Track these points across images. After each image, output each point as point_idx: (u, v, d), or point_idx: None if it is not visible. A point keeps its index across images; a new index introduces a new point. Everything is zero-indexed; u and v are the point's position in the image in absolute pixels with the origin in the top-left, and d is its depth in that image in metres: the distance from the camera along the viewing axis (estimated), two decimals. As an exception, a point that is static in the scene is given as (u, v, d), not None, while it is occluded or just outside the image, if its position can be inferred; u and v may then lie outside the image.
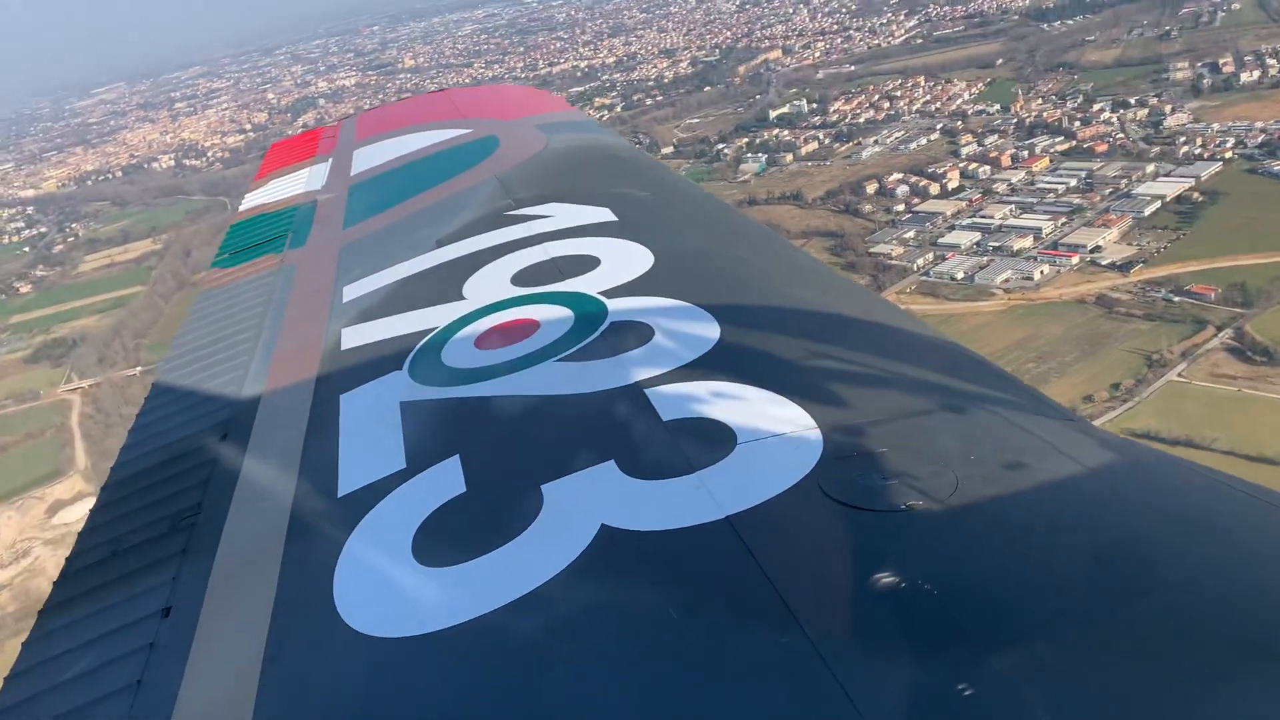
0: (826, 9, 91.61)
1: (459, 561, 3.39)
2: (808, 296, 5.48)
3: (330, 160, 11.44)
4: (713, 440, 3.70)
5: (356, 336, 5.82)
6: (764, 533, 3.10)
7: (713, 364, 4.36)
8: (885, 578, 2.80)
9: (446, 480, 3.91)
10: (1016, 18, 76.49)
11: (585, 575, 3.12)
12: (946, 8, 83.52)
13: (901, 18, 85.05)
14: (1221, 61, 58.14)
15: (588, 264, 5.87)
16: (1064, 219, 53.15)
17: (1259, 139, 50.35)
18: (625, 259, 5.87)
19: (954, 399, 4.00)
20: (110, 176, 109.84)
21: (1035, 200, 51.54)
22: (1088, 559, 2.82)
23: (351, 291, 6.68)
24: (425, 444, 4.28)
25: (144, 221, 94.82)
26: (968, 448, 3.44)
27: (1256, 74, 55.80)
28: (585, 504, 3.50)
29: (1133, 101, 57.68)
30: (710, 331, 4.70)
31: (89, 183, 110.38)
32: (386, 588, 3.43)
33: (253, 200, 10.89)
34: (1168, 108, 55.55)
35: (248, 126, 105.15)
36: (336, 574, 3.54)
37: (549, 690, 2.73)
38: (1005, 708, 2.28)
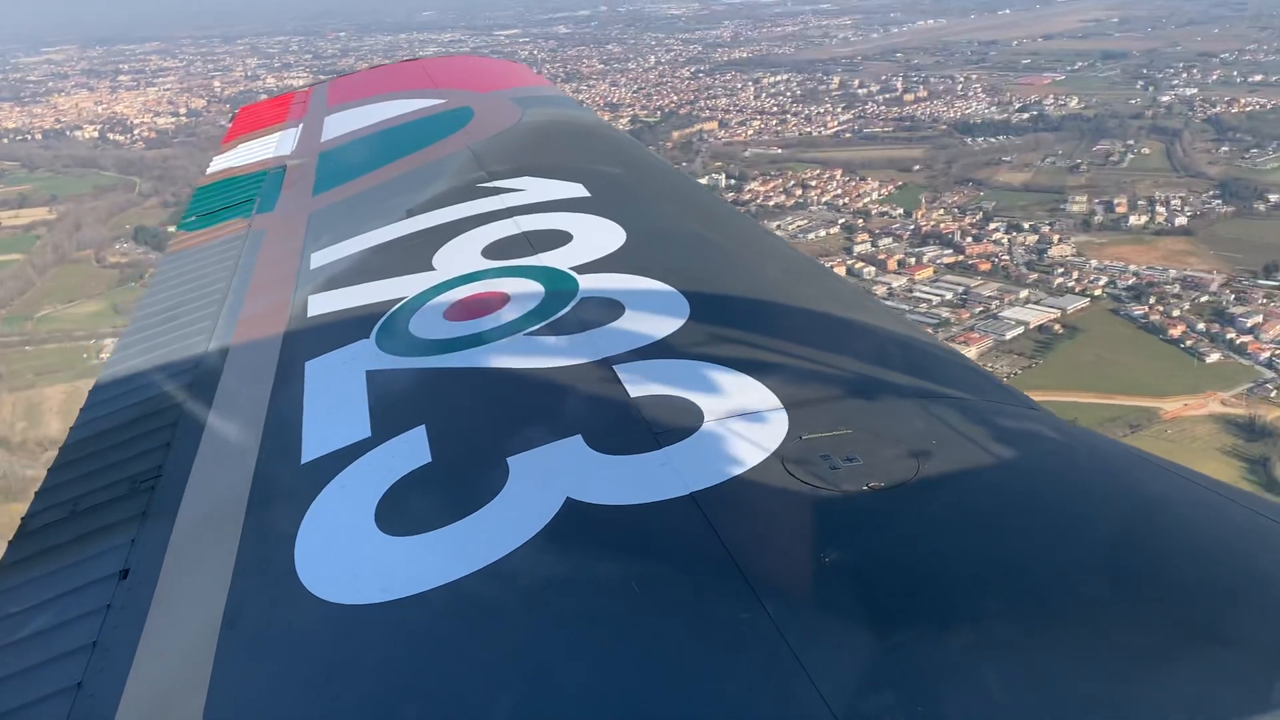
0: (773, 89, 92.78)
1: (422, 531, 3.39)
2: (778, 279, 5.51)
3: (300, 126, 11.30)
4: (679, 417, 3.72)
5: (323, 304, 5.78)
6: (727, 509, 3.12)
7: (682, 342, 4.38)
8: (845, 556, 2.84)
9: (411, 450, 3.90)
10: (944, 128, 78.07)
11: (549, 547, 3.13)
12: (882, 107, 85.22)
13: (839, 110, 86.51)
14: (1116, 201, 59.55)
15: (559, 239, 5.86)
16: (929, 330, 52.05)
17: (1129, 281, 51.36)
18: (597, 235, 5.86)
19: (919, 384, 4.04)
20: (29, 138, 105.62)
21: (908, 308, 52.03)
22: (1044, 541, 2.87)
23: (319, 259, 6.62)
24: (391, 413, 4.26)
25: (46, 189, 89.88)
26: (930, 431, 3.48)
27: (1144, 219, 57.25)
28: (551, 477, 3.50)
29: (1026, 226, 58.48)
30: (680, 310, 4.71)
31: (4, 140, 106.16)
32: (348, 555, 3.42)
33: (221, 163, 10.75)
34: (1055, 237, 56.43)
35: (183, 111, 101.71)
36: (298, 540, 3.53)
37: (509, 659, 2.74)
38: (959, 684, 2.32)
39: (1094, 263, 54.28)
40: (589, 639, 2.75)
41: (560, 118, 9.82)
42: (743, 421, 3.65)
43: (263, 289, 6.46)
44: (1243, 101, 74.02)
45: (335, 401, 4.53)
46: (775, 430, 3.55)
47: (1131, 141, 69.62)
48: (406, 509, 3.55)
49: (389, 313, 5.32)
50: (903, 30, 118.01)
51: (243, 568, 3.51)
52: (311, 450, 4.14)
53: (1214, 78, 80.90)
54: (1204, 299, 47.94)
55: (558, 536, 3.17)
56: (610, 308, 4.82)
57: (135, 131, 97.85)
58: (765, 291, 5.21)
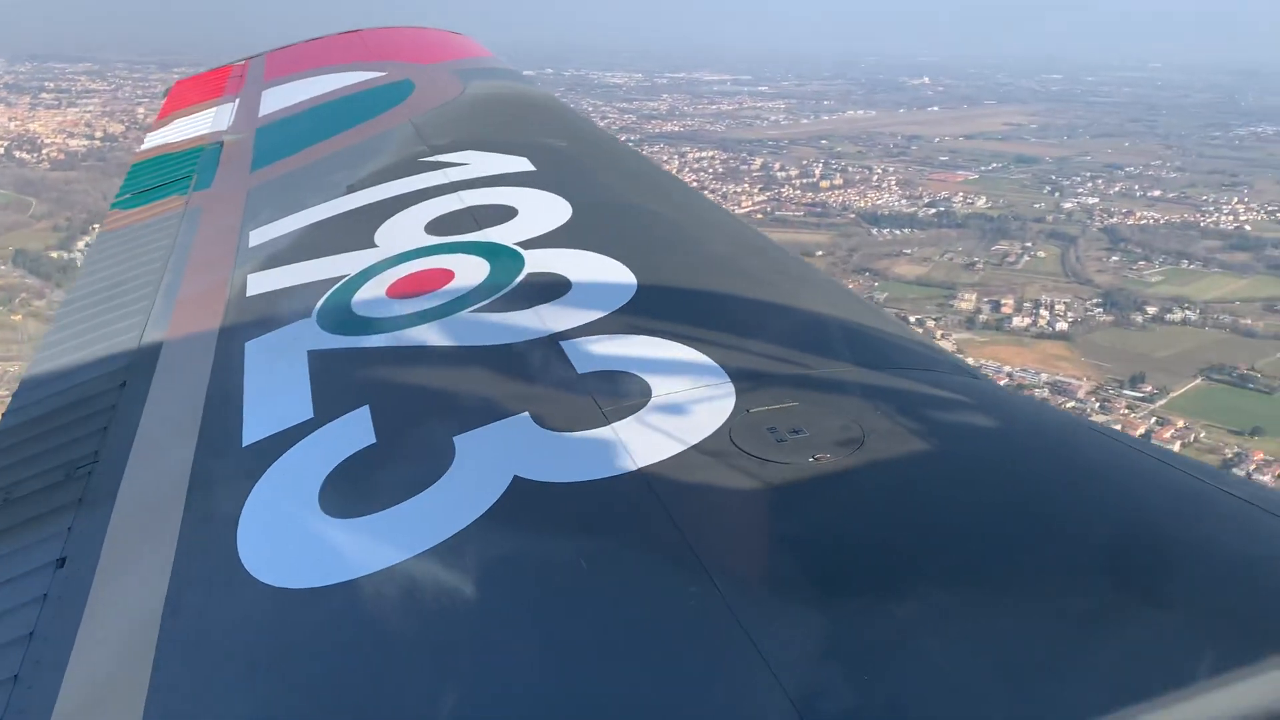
0: (696, 165, 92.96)
1: (367, 512, 3.34)
2: (726, 253, 5.50)
3: (237, 100, 11.06)
4: (627, 393, 3.71)
5: (263, 282, 5.66)
6: (676, 484, 3.12)
7: (629, 317, 4.36)
8: (792, 528, 2.86)
9: (355, 431, 3.84)
10: (853, 217, 79.01)
11: (497, 526, 3.11)
12: (798, 191, 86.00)
13: (756, 190, 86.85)
14: (1003, 302, 60.28)
15: (504, 214, 5.79)
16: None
17: (1002, 381, 52.10)
18: (543, 210, 5.80)
19: (867, 356, 4.06)
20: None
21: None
22: (989, 509, 2.90)
23: (258, 236, 6.48)
24: (334, 394, 4.19)
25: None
26: (876, 402, 3.50)
27: (1028, 320, 58.11)
28: (498, 455, 3.47)
29: (912, 319, 59.17)
30: (627, 285, 4.68)
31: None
32: (292, 538, 3.37)
33: (155, 139, 10.49)
34: (939, 332, 57.03)
35: (99, 134, 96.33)
36: (240, 525, 3.46)
37: (457, 640, 2.72)
38: (909, 654, 2.34)
39: (971, 360, 55.38)
40: (538, 618, 2.73)
41: (504, 90, 9.71)
42: (690, 396, 3.64)
43: (201, 268, 6.32)
44: (1139, 214, 76.00)
45: (277, 382, 4.45)
46: (723, 404, 3.55)
47: (1029, 244, 70.87)
48: (351, 491, 3.50)
49: (331, 291, 5.23)
50: (833, 118, 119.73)
51: (184, 554, 3.44)
52: (253, 433, 4.06)
53: (1116, 189, 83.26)
54: (1069, 404, 48.45)
55: (506, 515, 3.15)
56: (557, 283, 4.78)
57: (43, 151, 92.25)
58: (712, 266, 5.20)
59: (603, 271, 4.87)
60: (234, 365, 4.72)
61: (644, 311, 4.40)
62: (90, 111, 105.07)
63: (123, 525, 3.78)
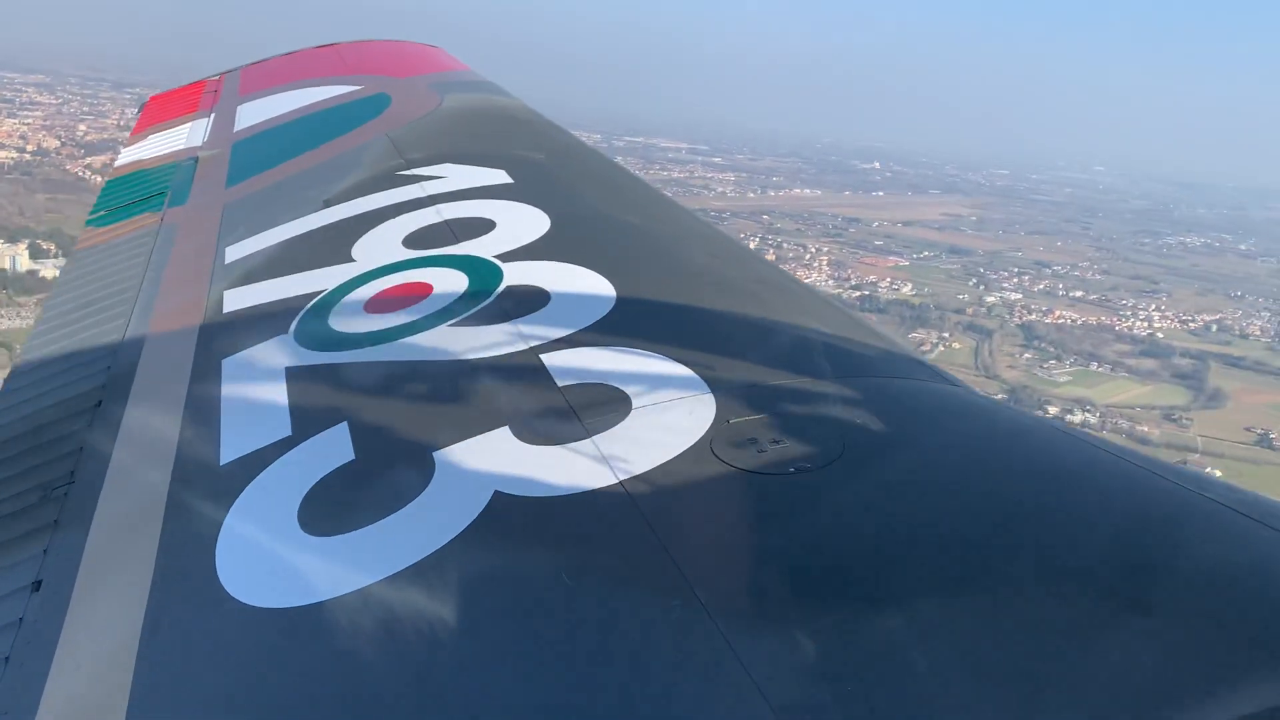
0: None
1: (347, 530, 3.32)
2: (705, 263, 5.50)
3: (212, 115, 11.01)
4: (608, 405, 3.70)
5: (240, 299, 5.62)
6: (657, 496, 3.12)
7: (608, 329, 4.35)
8: (773, 538, 2.86)
9: (334, 448, 3.81)
10: None
11: (478, 542, 3.09)
12: None
13: None
14: None
15: (482, 227, 5.78)
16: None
17: None
18: (521, 222, 5.79)
19: (846, 366, 4.07)
20: None
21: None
22: (969, 516, 2.91)
23: (235, 252, 6.44)
24: (312, 410, 4.17)
25: None
26: (856, 413, 3.51)
27: None
28: (478, 470, 3.46)
29: None
30: (606, 296, 4.68)
31: None
32: (271, 557, 3.34)
33: (129, 156, 10.42)
34: None
35: (31, 148, 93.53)
36: (219, 544, 3.43)
37: (438, 657, 2.70)
38: (892, 663, 2.34)
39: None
40: (521, 633, 2.72)
41: (481, 103, 9.70)
42: (671, 408, 3.64)
43: (176, 285, 6.27)
44: (1058, 313, 77.06)
45: (254, 400, 4.42)
46: (703, 415, 3.55)
47: (946, 334, 71.56)
48: (330, 508, 3.47)
49: (308, 306, 5.20)
50: (779, 194, 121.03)
51: (162, 575, 3.40)
52: (230, 451, 4.03)
53: (1041, 286, 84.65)
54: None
55: (487, 530, 3.13)
56: (535, 296, 4.78)
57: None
58: (691, 276, 5.20)
59: (581, 283, 4.87)
60: (211, 382, 4.68)
61: (623, 323, 4.40)
62: (29, 124, 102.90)
63: (99, 546, 3.74)
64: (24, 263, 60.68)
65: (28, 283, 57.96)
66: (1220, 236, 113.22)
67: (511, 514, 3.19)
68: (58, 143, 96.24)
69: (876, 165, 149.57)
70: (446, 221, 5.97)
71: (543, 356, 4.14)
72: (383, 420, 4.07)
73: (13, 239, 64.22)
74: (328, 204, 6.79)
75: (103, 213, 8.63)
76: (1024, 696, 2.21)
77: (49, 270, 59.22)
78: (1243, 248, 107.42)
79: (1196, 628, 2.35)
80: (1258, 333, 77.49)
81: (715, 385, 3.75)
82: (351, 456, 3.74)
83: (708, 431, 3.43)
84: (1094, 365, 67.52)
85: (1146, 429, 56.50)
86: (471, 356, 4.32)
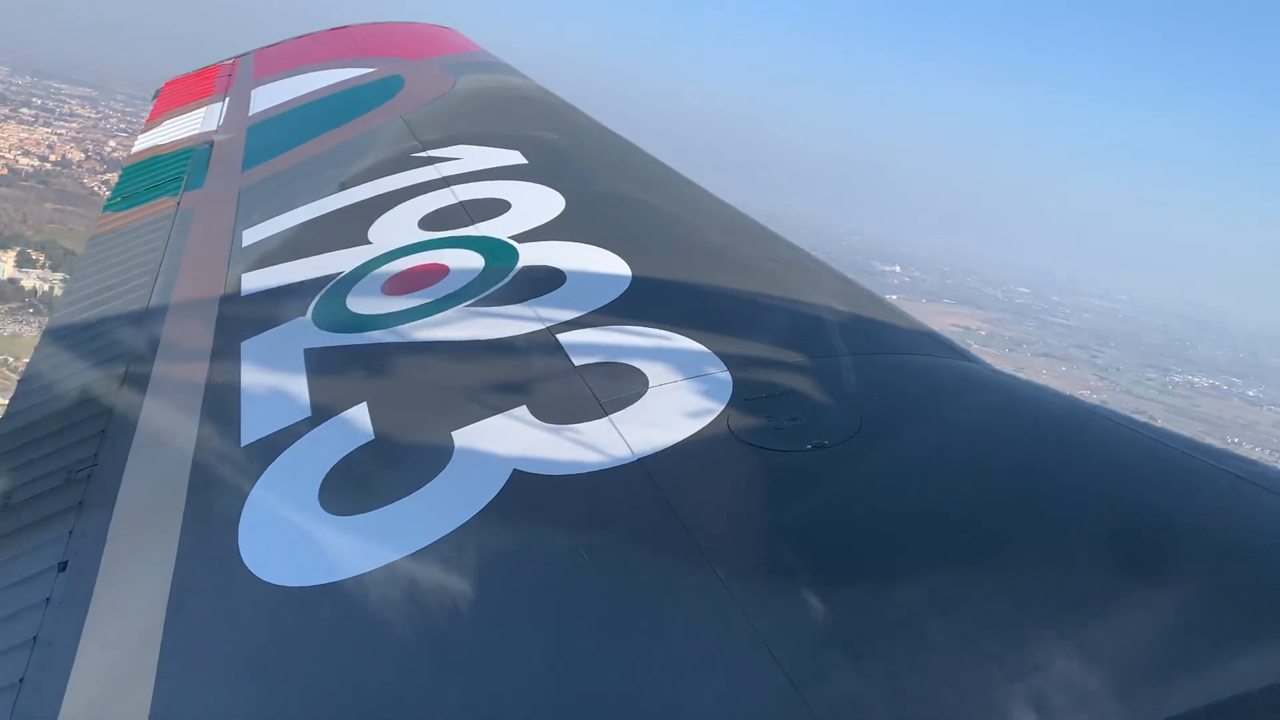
0: None
1: (367, 509, 3.34)
2: (721, 240, 5.49)
3: (227, 99, 11.03)
4: (624, 384, 3.71)
5: (258, 282, 5.65)
6: (675, 474, 3.13)
7: (624, 308, 4.36)
8: (791, 514, 2.86)
9: (354, 428, 3.84)
10: None
11: (497, 520, 3.11)
12: None
13: None
14: None
15: (498, 208, 5.79)
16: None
17: None
18: (536, 203, 5.79)
19: (864, 343, 4.06)
20: None
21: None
22: (990, 491, 2.90)
23: (252, 235, 6.47)
24: (331, 391, 4.19)
25: None
26: (873, 389, 3.51)
27: None
28: (497, 449, 3.47)
29: None
30: (622, 276, 4.68)
31: None
32: (293, 536, 3.37)
33: (146, 142, 10.46)
34: None
35: (55, 158, 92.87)
36: (241, 524, 3.47)
37: (460, 634, 2.72)
38: (912, 638, 2.34)
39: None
40: (541, 610, 2.74)
41: (495, 84, 9.68)
42: (688, 385, 3.64)
43: (194, 269, 6.31)
44: None
45: (274, 381, 4.44)
46: (720, 393, 3.55)
47: None
48: (351, 488, 3.50)
49: (325, 289, 5.23)
50: None
51: (185, 555, 3.44)
52: (251, 432, 4.06)
53: None
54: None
55: (506, 509, 3.15)
56: (551, 276, 4.78)
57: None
58: (707, 254, 5.19)
59: (597, 263, 4.87)
60: (230, 365, 4.71)
61: (639, 302, 4.40)
62: (60, 135, 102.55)
63: (123, 527, 3.78)
64: (7, 270, 60.60)
65: (4, 289, 57.96)
66: (1229, 379, 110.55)
67: (530, 492, 3.21)
68: (82, 155, 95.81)
69: (897, 269, 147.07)
70: (462, 203, 5.97)
71: (559, 336, 4.15)
72: (401, 400, 4.09)
73: (4, 245, 64.33)
74: (343, 186, 6.81)
75: (120, 199, 8.68)
76: (1047, 672, 2.21)
77: (30, 280, 59.40)
78: (1250, 393, 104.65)
79: (1219, 599, 2.34)
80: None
81: (732, 363, 3.75)
82: (371, 436, 3.76)
83: (725, 409, 3.44)
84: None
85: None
86: (488, 337, 4.33)
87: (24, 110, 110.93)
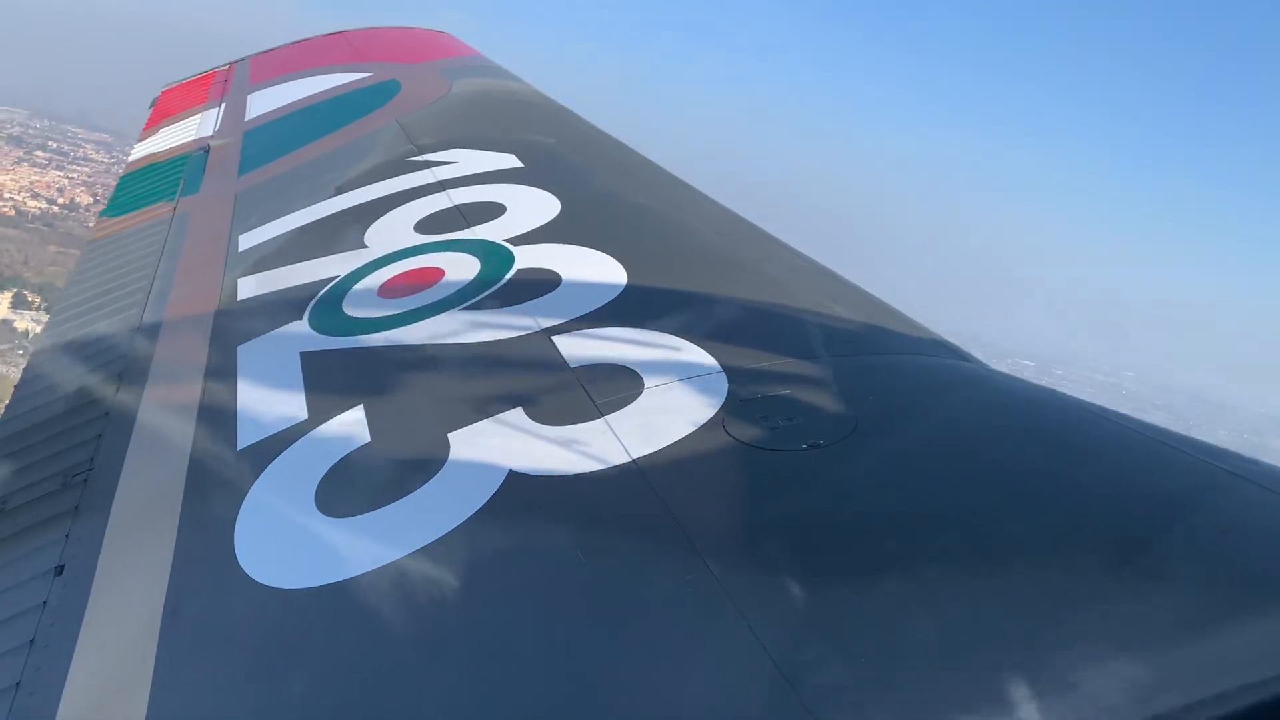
0: None
1: (364, 511, 3.35)
2: (716, 243, 5.50)
3: (223, 105, 11.04)
4: (620, 385, 3.71)
5: (254, 286, 5.66)
6: (671, 474, 3.13)
7: (620, 310, 4.37)
8: (787, 515, 2.86)
9: (350, 430, 3.84)
10: None
11: (493, 521, 3.12)
12: None
13: None
14: None
15: (493, 211, 5.80)
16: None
17: None
18: (532, 206, 5.80)
19: (860, 343, 4.07)
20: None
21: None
22: (986, 492, 2.90)
23: (248, 240, 6.48)
24: (327, 394, 4.20)
25: None
26: (869, 389, 3.51)
27: None
28: (492, 451, 3.48)
29: None
30: (617, 278, 4.69)
31: None
32: (290, 539, 3.37)
33: (142, 150, 10.47)
34: None
35: (62, 201, 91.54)
36: (238, 527, 3.47)
37: (457, 636, 2.73)
38: (905, 636, 2.35)
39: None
40: (537, 612, 2.74)
41: (491, 88, 9.69)
42: (683, 387, 3.65)
43: (190, 273, 6.31)
44: None
45: (270, 385, 4.45)
46: (715, 394, 3.56)
47: None
48: (347, 490, 3.50)
49: (322, 292, 5.23)
50: None
51: (182, 558, 3.45)
52: (247, 435, 4.06)
53: None
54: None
55: (502, 510, 3.16)
56: (547, 279, 4.79)
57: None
58: (702, 256, 5.20)
59: (592, 265, 4.88)
60: (226, 368, 4.72)
61: (635, 304, 4.41)
62: (72, 179, 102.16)
63: (120, 531, 3.79)
64: (2, 311, 60.55)
65: None
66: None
67: (526, 494, 3.22)
68: (91, 199, 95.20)
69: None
70: (458, 206, 5.98)
71: (555, 339, 4.16)
72: (398, 403, 4.09)
73: (2, 286, 64.21)
74: (339, 191, 6.83)
75: (116, 204, 8.69)
76: (1042, 671, 2.21)
77: (24, 322, 59.28)
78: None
79: (1220, 596, 2.35)
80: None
81: (727, 364, 3.76)
82: (367, 439, 3.77)
83: (720, 410, 3.44)
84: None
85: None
86: (484, 339, 4.34)
87: (38, 153, 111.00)
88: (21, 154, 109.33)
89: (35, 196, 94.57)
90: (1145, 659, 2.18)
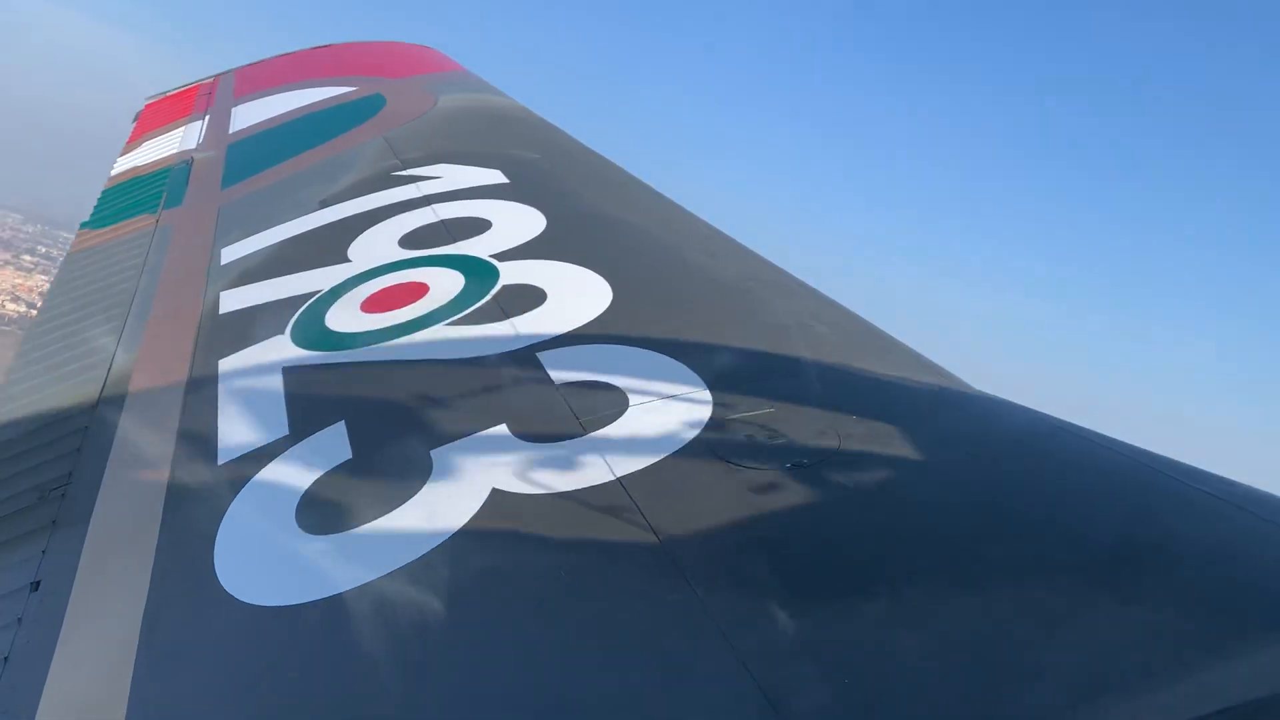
0: None
1: (345, 529, 3.32)
2: (701, 260, 5.51)
3: (207, 117, 11.00)
4: (604, 403, 3.70)
5: (236, 300, 5.63)
6: (655, 492, 3.12)
7: (605, 327, 4.36)
8: (770, 533, 2.86)
9: (331, 446, 3.82)
10: None
11: (476, 539, 3.10)
12: None
13: None
14: None
15: (478, 226, 5.79)
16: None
17: None
18: (517, 222, 5.80)
19: (841, 361, 4.07)
20: None
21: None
22: (967, 511, 2.91)
23: (231, 253, 6.45)
24: (309, 410, 4.17)
25: None
26: (853, 408, 3.51)
27: None
28: (476, 468, 3.46)
29: None
30: (602, 295, 4.69)
31: None
32: (270, 556, 3.34)
33: (125, 163, 10.40)
34: None
35: (41, 306, 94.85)
36: (217, 543, 3.43)
37: (436, 653, 2.71)
38: (888, 657, 2.34)
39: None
40: (519, 630, 2.72)
41: (476, 103, 9.70)
42: (668, 404, 3.64)
43: (172, 286, 6.27)
44: None
45: (251, 400, 4.42)
46: (700, 412, 3.55)
47: None
48: (328, 507, 3.47)
49: (304, 307, 5.20)
50: None
51: (160, 574, 3.41)
52: (228, 451, 4.03)
53: None
54: None
55: (485, 528, 3.14)
56: (532, 295, 4.78)
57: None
58: (687, 274, 5.21)
59: (578, 282, 4.87)
60: (207, 383, 4.68)
61: (620, 321, 4.40)
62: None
63: (98, 546, 3.74)
64: None
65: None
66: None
67: (510, 511, 3.20)
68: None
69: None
70: (443, 221, 5.97)
71: (540, 355, 4.15)
72: (380, 419, 4.07)
73: None
74: (324, 205, 6.80)
75: (97, 217, 8.62)
76: (1024, 690, 2.21)
77: None
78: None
79: (1204, 615, 2.35)
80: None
81: (712, 382, 3.76)
82: (349, 455, 3.74)
83: (704, 428, 3.44)
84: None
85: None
86: (469, 355, 4.32)
87: (26, 257, 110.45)
88: (9, 257, 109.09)
89: (15, 300, 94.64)
90: (1132, 678, 2.18)
